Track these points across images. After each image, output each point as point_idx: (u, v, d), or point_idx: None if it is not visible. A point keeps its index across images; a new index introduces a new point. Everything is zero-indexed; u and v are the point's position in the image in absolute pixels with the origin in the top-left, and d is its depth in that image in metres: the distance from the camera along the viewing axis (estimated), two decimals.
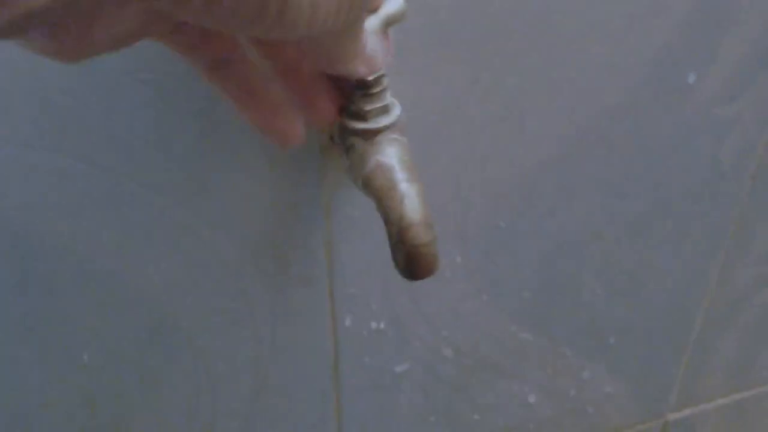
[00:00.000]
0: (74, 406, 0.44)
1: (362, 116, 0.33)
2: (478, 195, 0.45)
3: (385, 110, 0.33)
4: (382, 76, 0.32)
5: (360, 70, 0.28)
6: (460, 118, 0.41)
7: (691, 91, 0.45)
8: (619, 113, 0.45)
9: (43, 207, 0.37)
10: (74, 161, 0.36)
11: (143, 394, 0.46)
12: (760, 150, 0.51)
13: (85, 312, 0.41)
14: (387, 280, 0.47)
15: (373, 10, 0.30)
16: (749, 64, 0.46)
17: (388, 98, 0.33)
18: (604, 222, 0.50)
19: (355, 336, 0.49)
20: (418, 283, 0.48)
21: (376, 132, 0.33)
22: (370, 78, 0.32)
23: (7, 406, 0.43)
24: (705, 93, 0.46)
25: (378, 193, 0.33)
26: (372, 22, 0.29)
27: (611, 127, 0.45)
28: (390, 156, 0.33)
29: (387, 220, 0.33)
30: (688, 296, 0.58)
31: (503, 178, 0.45)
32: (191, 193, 0.39)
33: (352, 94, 0.33)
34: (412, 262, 0.33)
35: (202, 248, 0.41)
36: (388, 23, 0.30)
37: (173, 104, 0.35)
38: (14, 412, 0.43)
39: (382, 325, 0.49)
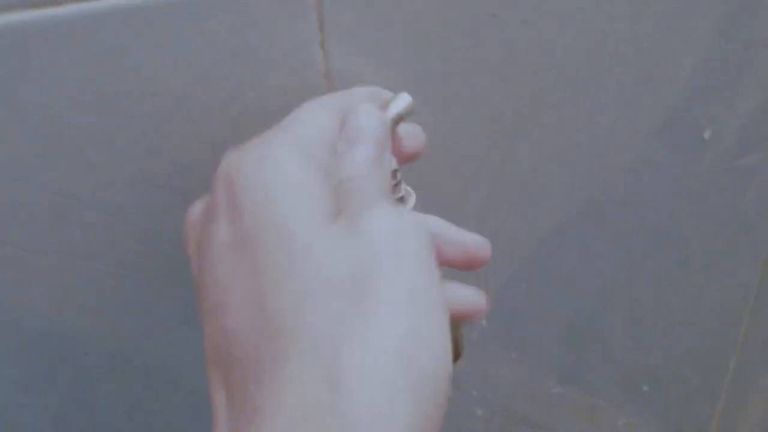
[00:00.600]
0: None
1: None
2: (500, 258, 0.46)
3: (401, 201, 0.34)
4: (397, 170, 0.33)
5: None
6: (478, 185, 0.42)
7: (708, 146, 0.45)
8: (636, 173, 0.45)
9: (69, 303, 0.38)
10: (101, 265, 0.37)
11: None
12: None
13: (121, 401, 0.42)
14: None
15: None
16: (765, 112, 0.46)
17: (403, 190, 0.34)
18: (631, 274, 0.50)
19: None
20: None
21: None
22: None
23: None
24: (723, 147, 0.46)
25: None
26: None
27: (629, 187, 0.45)
28: None
29: None
30: (722, 337, 0.58)
31: (524, 240, 0.46)
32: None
33: None
34: None
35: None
36: (397, 121, 0.31)
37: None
38: None
39: None
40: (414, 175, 0.38)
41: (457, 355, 0.32)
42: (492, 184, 0.42)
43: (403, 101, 0.31)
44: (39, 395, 0.40)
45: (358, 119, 0.27)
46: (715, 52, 0.41)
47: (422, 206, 0.36)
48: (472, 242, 0.29)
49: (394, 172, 0.33)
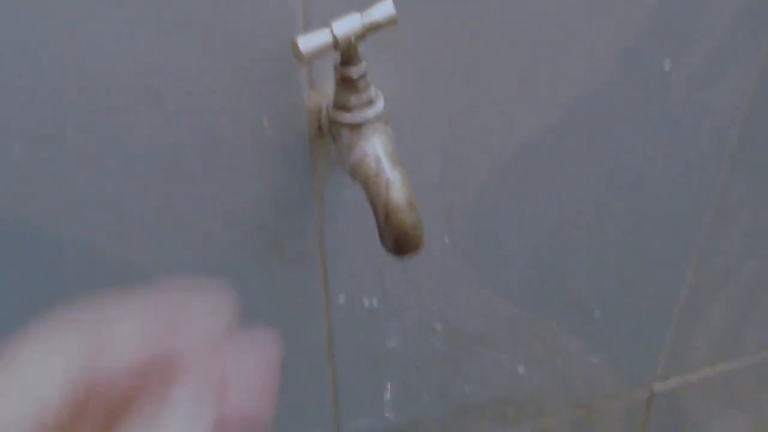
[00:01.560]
0: None
1: (348, 108, 0.35)
2: (464, 178, 0.47)
3: (370, 103, 0.35)
4: (366, 73, 0.34)
5: None
6: (443, 107, 0.43)
7: (668, 78, 0.47)
8: (597, 100, 0.47)
9: (50, 199, 0.39)
10: (68, 156, 0.38)
11: None
12: (739, 130, 0.53)
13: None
14: (379, 260, 0.49)
15: None
16: (725, 49, 0.48)
17: (373, 92, 0.35)
18: (588, 202, 0.52)
19: (349, 313, 0.51)
20: (409, 262, 0.50)
21: (362, 123, 0.35)
22: (355, 75, 0.34)
23: None
24: (682, 79, 0.47)
25: (365, 179, 0.35)
26: (352, 24, 0.31)
27: (590, 114, 0.47)
28: (375, 145, 0.35)
29: (374, 205, 0.35)
30: (673, 270, 0.61)
31: (487, 163, 0.47)
32: (190, 184, 0.41)
33: (338, 88, 0.35)
34: (399, 244, 0.35)
35: (199, 235, 0.43)
36: (374, 28, 0.32)
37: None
38: None
39: (374, 303, 0.51)
40: (388, 87, 0.39)
41: None
42: (459, 106, 0.44)
43: (384, 10, 0.32)
44: None
45: None
46: None
47: (390, 109, 0.37)
48: None
49: (362, 77, 0.34)
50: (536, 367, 0.62)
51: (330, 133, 0.37)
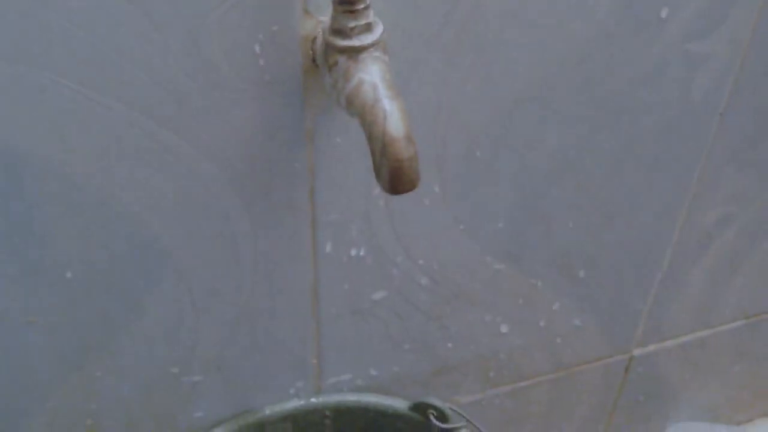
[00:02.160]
0: (58, 323, 0.45)
1: (346, 33, 0.34)
2: (456, 126, 0.47)
3: (368, 28, 0.34)
4: None
5: None
6: (437, 46, 0.42)
7: (664, 26, 0.47)
8: (591, 48, 0.46)
9: (28, 123, 0.37)
10: (59, 79, 0.36)
11: (126, 315, 0.47)
12: (730, 87, 0.53)
13: (69, 229, 0.42)
14: (368, 208, 0.48)
15: None
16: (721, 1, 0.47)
17: (372, 16, 0.34)
18: (577, 155, 0.52)
19: (335, 262, 0.50)
20: (398, 210, 0.49)
21: (360, 49, 0.34)
22: None
23: None
24: (677, 28, 0.47)
25: (361, 109, 0.34)
26: None
27: (584, 62, 0.46)
28: (373, 73, 0.34)
29: (370, 136, 0.34)
30: (657, 233, 0.61)
31: (480, 110, 0.47)
32: (176, 116, 0.39)
33: (335, 11, 0.34)
34: (395, 176, 0.34)
35: (186, 171, 0.42)
36: None
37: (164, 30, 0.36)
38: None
39: (361, 252, 0.50)
40: (389, 14, 0.38)
41: None
42: (454, 48, 0.43)
43: None
44: None
45: None
46: None
47: (389, 35, 0.36)
48: None
49: None
50: (519, 327, 0.62)
51: (325, 62, 0.36)
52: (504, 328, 0.61)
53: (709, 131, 0.55)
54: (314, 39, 0.38)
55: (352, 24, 0.33)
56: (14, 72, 0.35)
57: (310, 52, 0.38)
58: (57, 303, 0.44)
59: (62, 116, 0.37)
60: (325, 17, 0.37)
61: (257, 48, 0.37)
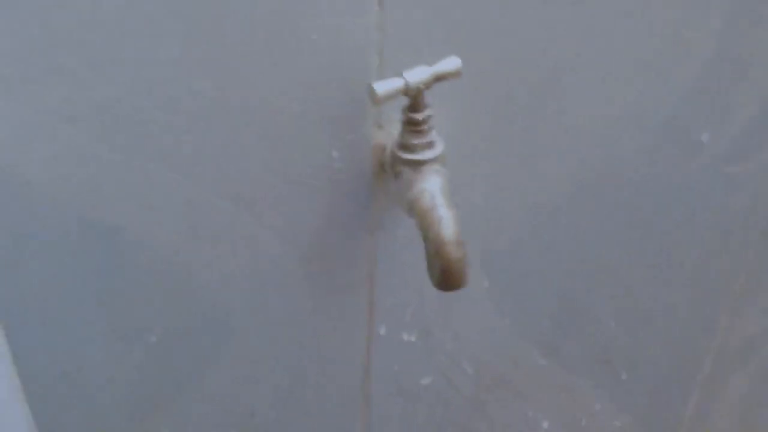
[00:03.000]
0: (134, 380, 0.50)
1: (411, 149, 0.39)
2: (505, 225, 0.51)
3: (430, 145, 0.39)
4: (430, 116, 0.38)
5: None
6: (489, 157, 0.47)
7: (704, 149, 0.51)
8: (633, 164, 0.50)
9: (133, 208, 0.43)
10: (162, 168, 0.42)
11: (192, 379, 0.51)
12: None
13: (154, 300, 0.47)
14: (422, 296, 0.53)
15: None
16: (761, 123, 0.51)
17: (434, 135, 0.39)
18: (617, 261, 0.55)
19: (388, 345, 0.54)
20: (449, 301, 0.53)
21: (422, 163, 0.39)
22: (419, 117, 0.38)
23: (72, 380, 0.49)
24: (716, 152, 0.51)
25: (420, 214, 0.39)
26: (423, 74, 0.36)
27: (626, 177, 0.51)
28: (432, 184, 0.39)
29: (425, 238, 0.39)
30: (697, 339, 0.63)
31: (528, 211, 0.51)
32: (258, 205, 0.45)
33: (403, 129, 0.39)
34: (445, 276, 0.39)
35: (260, 252, 0.47)
36: (440, 79, 0.37)
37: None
38: (79, 385, 0.49)
39: (413, 338, 0.54)
40: (450, 128, 0.43)
41: None
42: (505, 157, 0.48)
43: (451, 63, 0.37)
44: None
45: None
46: (719, 59, 0.47)
47: (449, 149, 0.41)
48: None
49: (428, 117, 0.38)
50: (560, 424, 0.64)
51: (392, 170, 0.41)
52: (545, 424, 0.63)
53: (751, 248, 0.57)
54: (384, 148, 0.43)
55: (416, 141, 0.39)
56: (130, 162, 0.41)
57: (380, 159, 0.44)
58: (137, 363, 0.49)
59: (159, 198, 0.43)
60: (395, 130, 0.42)
61: (334, 153, 0.43)
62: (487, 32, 0.42)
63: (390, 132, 0.43)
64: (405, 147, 0.40)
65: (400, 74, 0.37)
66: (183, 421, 0.54)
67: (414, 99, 0.38)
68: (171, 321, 0.49)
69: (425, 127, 0.39)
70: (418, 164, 0.39)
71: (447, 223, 0.38)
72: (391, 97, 0.37)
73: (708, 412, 0.69)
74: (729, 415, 0.70)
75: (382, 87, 0.36)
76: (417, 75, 0.37)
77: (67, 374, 0.47)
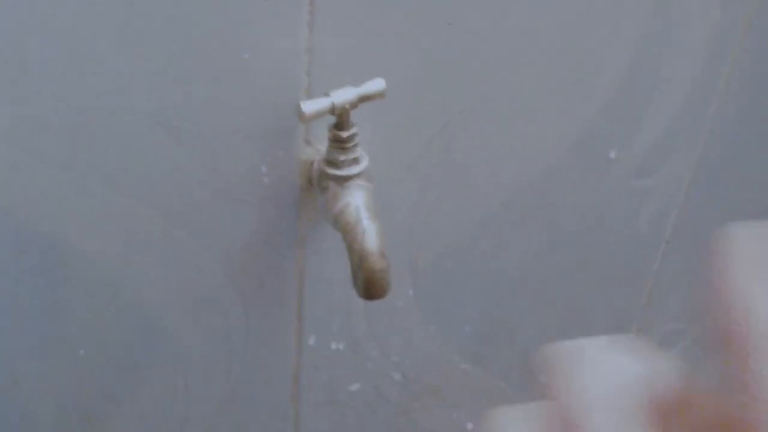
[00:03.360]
0: (66, 394, 0.50)
1: (337, 164, 0.41)
2: (430, 238, 0.53)
3: (355, 161, 0.41)
4: (356, 134, 0.40)
5: None
6: (416, 172, 0.50)
7: (612, 166, 0.54)
8: (548, 181, 0.53)
9: (67, 217, 0.44)
10: (97, 182, 0.43)
11: (125, 391, 0.52)
12: (674, 218, 0.60)
13: (87, 313, 0.48)
14: (349, 307, 0.54)
15: None
16: (666, 140, 0.55)
17: (359, 151, 0.41)
18: (537, 270, 0.58)
19: (317, 354, 0.56)
20: (375, 310, 0.55)
21: (347, 178, 0.41)
22: (345, 134, 0.40)
23: (5, 394, 0.49)
24: (624, 167, 0.55)
25: (345, 227, 0.41)
26: (349, 95, 0.38)
27: (540, 191, 0.54)
28: (357, 198, 0.41)
29: (350, 249, 0.41)
30: None
31: (452, 225, 0.54)
32: (188, 218, 0.46)
33: (330, 145, 0.41)
34: (369, 285, 0.40)
35: (192, 266, 0.48)
36: (363, 100, 0.39)
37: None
38: (12, 398, 0.49)
39: (341, 346, 0.56)
40: (376, 143, 0.46)
41: None
42: (429, 174, 0.50)
43: (376, 85, 0.39)
44: None
45: None
46: (628, 78, 0.51)
47: (374, 164, 0.43)
48: None
49: (354, 135, 0.40)
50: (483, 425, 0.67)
51: (319, 185, 0.43)
52: (469, 426, 0.66)
53: (656, 256, 0.62)
54: (312, 164, 0.45)
55: (342, 158, 0.41)
56: (65, 176, 0.42)
57: (308, 174, 0.45)
58: (68, 376, 0.50)
59: (93, 212, 0.44)
60: (323, 146, 0.44)
61: (263, 168, 0.44)
62: (412, 57, 0.44)
63: (318, 148, 0.45)
64: (331, 163, 0.41)
65: (327, 94, 0.39)
66: None
67: (340, 117, 0.40)
68: (102, 334, 0.49)
69: (351, 144, 0.41)
70: (343, 179, 0.41)
71: (370, 235, 0.40)
72: (318, 115, 0.39)
73: None
74: None
75: (309, 106, 0.38)
76: (343, 95, 0.39)
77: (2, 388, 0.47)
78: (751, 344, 0.16)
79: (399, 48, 0.44)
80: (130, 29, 0.38)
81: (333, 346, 0.56)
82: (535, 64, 0.48)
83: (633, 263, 0.61)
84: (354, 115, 0.40)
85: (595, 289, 0.61)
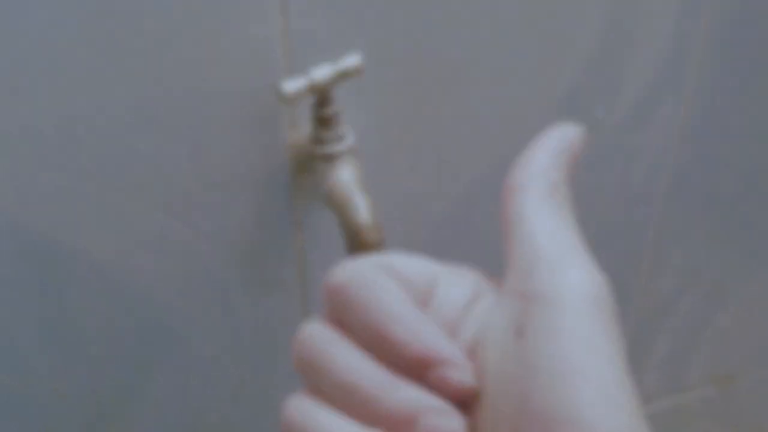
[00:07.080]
0: (81, 393, 0.51)
1: (323, 142, 0.42)
2: (423, 210, 0.54)
3: (340, 138, 0.42)
4: (339, 111, 0.41)
5: None
6: (404, 145, 0.50)
7: (600, 123, 0.54)
8: None
9: (65, 220, 0.44)
10: (91, 184, 0.44)
11: (138, 385, 0.53)
12: (668, 172, 0.60)
13: (94, 311, 0.48)
14: None
15: None
16: (651, 93, 0.55)
17: (344, 129, 0.42)
18: None
19: None
20: None
21: (334, 156, 0.42)
22: (328, 112, 0.41)
23: (21, 394, 0.50)
24: (612, 124, 0.55)
25: (337, 204, 0.42)
26: (326, 72, 0.38)
27: None
28: (346, 175, 0.42)
29: (344, 225, 0.41)
30: (618, 299, 0.67)
31: (444, 196, 0.54)
32: (183, 209, 0.47)
33: (314, 125, 0.41)
34: None
35: (194, 258, 0.49)
36: (344, 75, 0.39)
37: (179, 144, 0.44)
38: (27, 398, 0.50)
39: None
40: (362, 120, 0.46)
41: None
42: (417, 146, 0.51)
43: (352, 60, 0.39)
44: None
45: None
46: (610, 33, 0.51)
47: (361, 140, 0.44)
48: None
49: (334, 116, 0.41)
50: None
51: (308, 165, 0.44)
52: None
53: (654, 213, 0.62)
54: (299, 146, 0.45)
55: (327, 135, 0.41)
56: (58, 178, 0.43)
57: (296, 157, 0.46)
58: (81, 376, 0.50)
59: (90, 212, 0.45)
60: (309, 127, 0.45)
61: (252, 155, 0.45)
62: (389, 30, 0.45)
63: (304, 131, 0.45)
64: (317, 141, 0.42)
65: (305, 73, 0.40)
66: (134, 428, 0.55)
67: (321, 95, 0.40)
68: (110, 332, 0.50)
69: (334, 121, 0.41)
70: (330, 157, 0.42)
71: (362, 209, 0.41)
72: (298, 94, 0.39)
73: (634, 375, 0.73)
74: (656, 375, 0.75)
75: (289, 86, 0.39)
76: (321, 72, 0.39)
77: (12, 388, 0.48)
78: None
79: (376, 23, 0.44)
80: (103, 26, 0.39)
81: None
82: (514, 25, 0.48)
83: (630, 223, 0.61)
84: (337, 94, 0.41)
85: (591, 250, 0.61)
